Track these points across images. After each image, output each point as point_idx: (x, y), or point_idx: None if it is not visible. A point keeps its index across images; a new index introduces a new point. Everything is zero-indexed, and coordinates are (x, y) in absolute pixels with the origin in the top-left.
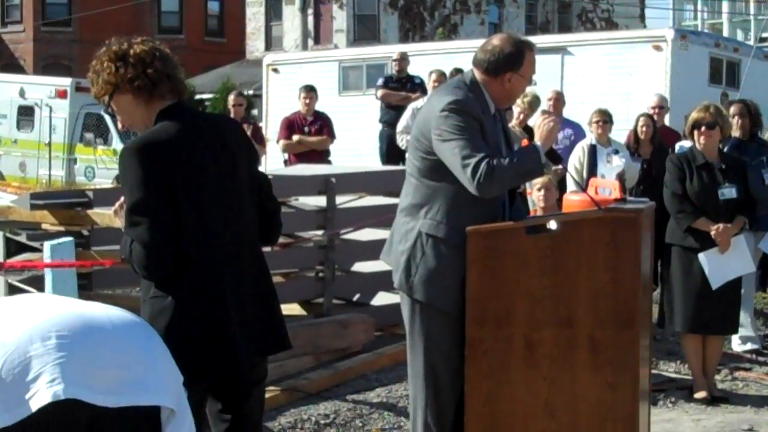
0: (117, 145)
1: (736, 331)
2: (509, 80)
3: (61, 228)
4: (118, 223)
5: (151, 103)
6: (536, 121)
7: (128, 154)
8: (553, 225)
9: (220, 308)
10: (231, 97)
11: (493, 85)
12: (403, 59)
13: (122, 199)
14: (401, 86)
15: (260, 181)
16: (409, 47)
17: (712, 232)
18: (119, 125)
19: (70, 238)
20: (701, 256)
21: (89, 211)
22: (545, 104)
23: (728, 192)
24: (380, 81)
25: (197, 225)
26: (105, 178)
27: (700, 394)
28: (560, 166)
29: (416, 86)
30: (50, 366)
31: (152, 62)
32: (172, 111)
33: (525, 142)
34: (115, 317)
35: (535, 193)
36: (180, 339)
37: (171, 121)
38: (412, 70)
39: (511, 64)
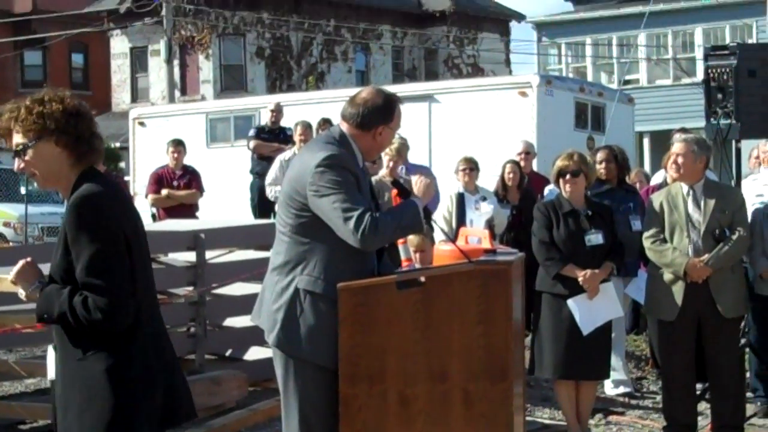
0: None
1: (608, 376)
2: (380, 133)
3: None
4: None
5: (77, 163)
6: (413, 180)
7: (85, 203)
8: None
9: (171, 360)
10: None
11: (363, 138)
12: (279, 111)
13: (20, 264)
14: (274, 137)
15: None
16: (277, 98)
17: (580, 279)
18: (36, 182)
19: None
20: (570, 302)
21: None
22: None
23: (594, 238)
24: (252, 132)
25: (143, 278)
26: None
27: None
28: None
29: (288, 137)
30: None
31: (78, 122)
32: (93, 172)
33: (394, 192)
34: None
35: (412, 254)
36: (140, 390)
37: (98, 180)
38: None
39: (382, 117)
